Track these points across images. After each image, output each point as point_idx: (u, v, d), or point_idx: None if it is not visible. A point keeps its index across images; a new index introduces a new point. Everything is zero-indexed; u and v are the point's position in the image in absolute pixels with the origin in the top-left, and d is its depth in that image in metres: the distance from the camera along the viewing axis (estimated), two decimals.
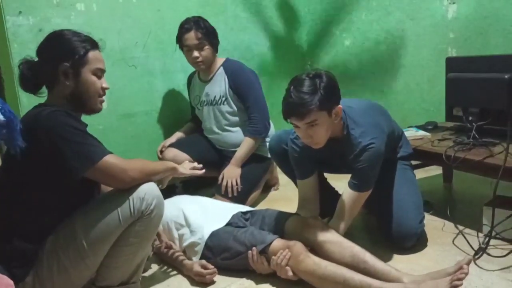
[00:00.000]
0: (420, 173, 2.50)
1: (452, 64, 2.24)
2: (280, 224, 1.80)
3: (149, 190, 1.45)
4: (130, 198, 1.42)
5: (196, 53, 2.45)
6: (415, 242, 1.87)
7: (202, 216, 1.90)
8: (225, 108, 2.55)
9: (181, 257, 1.81)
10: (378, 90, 3.23)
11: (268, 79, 3.27)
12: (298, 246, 1.60)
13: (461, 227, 1.97)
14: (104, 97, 1.58)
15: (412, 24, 2.96)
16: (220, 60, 2.59)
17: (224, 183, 2.42)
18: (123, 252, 1.47)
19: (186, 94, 2.82)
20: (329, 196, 2.03)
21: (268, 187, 2.83)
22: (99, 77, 1.53)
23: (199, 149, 2.64)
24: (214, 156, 2.65)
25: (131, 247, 1.47)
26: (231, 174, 2.44)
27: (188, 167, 1.76)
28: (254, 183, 2.54)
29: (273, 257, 1.62)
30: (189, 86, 2.75)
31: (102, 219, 1.41)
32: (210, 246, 1.78)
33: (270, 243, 1.65)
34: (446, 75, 2.22)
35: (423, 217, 1.91)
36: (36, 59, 1.52)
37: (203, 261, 1.75)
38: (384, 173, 1.86)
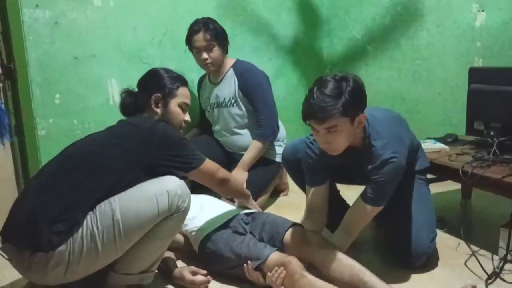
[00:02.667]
0: (437, 187, 2.39)
1: (476, 75, 2.13)
2: (280, 236, 1.73)
3: (184, 188, 1.53)
4: (169, 192, 1.49)
5: (205, 55, 2.42)
6: (424, 261, 1.78)
7: (198, 207, 1.89)
8: (234, 110, 2.51)
9: (171, 263, 1.77)
10: (400, 97, 3.12)
11: (284, 82, 3.21)
12: (293, 264, 1.54)
13: (475, 248, 1.86)
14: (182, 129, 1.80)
15: (438, 31, 2.84)
16: (230, 61, 2.54)
17: None
18: (153, 244, 1.53)
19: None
20: (339, 208, 1.94)
21: (277, 192, 2.77)
22: (184, 110, 1.79)
23: (208, 150, 2.55)
24: (223, 158, 2.61)
25: (161, 241, 1.54)
26: (238, 178, 2.39)
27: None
28: (261, 187, 2.49)
29: (268, 273, 1.57)
30: (199, 89, 2.72)
31: (141, 207, 1.46)
32: (207, 252, 1.74)
33: (266, 260, 1.59)
34: (469, 86, 2.11)
35: (435, 235, 1.81)
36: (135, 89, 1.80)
37: (193, 267, 1.71)
38: (398, 187, 1.75)
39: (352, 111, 1.53)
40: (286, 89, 3.24)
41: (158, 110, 1.73)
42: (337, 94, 1.51)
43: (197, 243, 1.80)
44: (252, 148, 2.45)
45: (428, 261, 1.80)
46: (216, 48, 2.42)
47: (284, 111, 2.83)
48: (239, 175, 2.40)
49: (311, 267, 1.60)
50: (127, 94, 1.79)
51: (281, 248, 1.69)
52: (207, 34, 2.38)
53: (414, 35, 2.97)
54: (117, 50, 2.50)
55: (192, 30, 2.41)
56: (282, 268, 1.54)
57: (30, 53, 2.20)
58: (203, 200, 2.01)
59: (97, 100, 2.46)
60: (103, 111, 2.48)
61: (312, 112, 1.53)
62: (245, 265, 1.63)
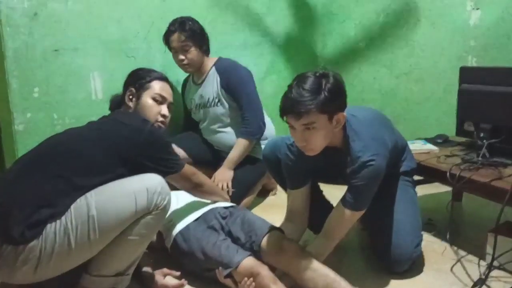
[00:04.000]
0: (427, 189, 2.33)
1: (467, 74, 2.05)
2: (258, 239, 1.65)
3: (164, 185, 1.48)
4: (148, 189, 1.43)
5: (181, 56, 2.36)
6: (408, 267, 1.71)
7: (173, 200, 1.80)
8: (219, 110, 2.44)
9: (144, 269, 1.69)
10: (392, 96, 3.05)
11: (277, 78, 3.13)
12: (263, 275, 1.50)
13: (463, 253, 1.81)
14: (161, 124, 1.74)
15: (432, 30, 2.77)
16: (212, 60, 2.48)
17: None
18: (130, 242, 1.45)
19: None
20: (322, 209, 1.87)
21: (266, 191, 2.71)
22: (159, 103, 1.73)
23: (196, 146, 2.57)
24: (211, 155, 2.56)
25: (139, 240, 1.46)
26: (223, 177, 2.33)
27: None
28: (248, 186, 2.42)
29: (239, 283, 1.52)
30: (184, 90, 2.66)
31: (119, 204, 1.40)
32: (179, 251, 1.69)
33: (237, 267, 1.53)
34: (459, 86, 2.04)
35: (421, 240, 1.75)
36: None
37: (165, 270, 1.66)
38: (382, 188, 1.69)
39: (330, 108, 1.48)
40: (278, 86, 3.14)
41: (131, 104, 1.73)
42: (315, 90, 1.46)
43: (170, 239, 1.74)
44: (238, 146, 2.38)
45: (413, 265, 1.73)
46: (192, 49, 2.35)
47: (275, 108, 2.73)
48: (224, 174, 2.34)
49: (287, 276, 1.56)
50: (116, 95, 1.81)
51: (258, 251, 1.63)
52: (182, 35, 2.32)
53: (408, 34, 2.90)
54: (100, 43, 2.42)
55: (169, 30, 2.36)
56: (251, 279, 1.49)
57: (7, 45, 2.13)
58: (179, 193, 1.93)
59: (78, 94, 2.38)
60: (85, 105, 2.40)
61: (289, 106, 1.48)
62: (216, 270, 1.58)
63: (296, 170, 1.75)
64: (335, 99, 1.49)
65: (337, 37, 3.31)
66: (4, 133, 2.18)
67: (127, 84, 1.78)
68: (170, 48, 2.40)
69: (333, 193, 2.01)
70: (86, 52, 2.38)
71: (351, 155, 1.58)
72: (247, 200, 2.44)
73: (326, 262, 1.59)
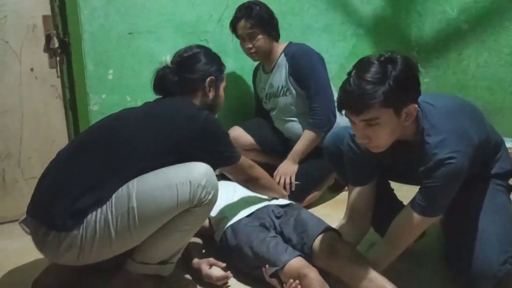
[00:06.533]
0: None
1: None
2: (309, 241, 1.50)
3: (209, 178, 1.40)
4: (191, 182, 1.36)
5: (248, 44, 2.23)
6: (491, 287, 1.43)
7: (230, 191, 1.80)
8: (288, 99, 2.29)
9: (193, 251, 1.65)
10: (497, 86, 2.64)
11: None
12: (310, 278, 1.36)
13: None
14: None
15: None
16: (282, 46, 2.32)
17: (277, 179, 2.16)
18: (173, 236, 1.42)
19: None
20: (391, 210, 1.62)
21: (339, 186, 2.50)
22: None
23: (265, 134, 2.46)
24: (280, 144, 2.43)
25: (182, 233, 1.43)
26: (286, 170, 2.18)
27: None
28: (315, 181, 2.25)
29: (284, 284, 1.39)
30: (255, 79, 2.54)
31: (160, 195, 1.35)
32: (227, 244, 1.61)
33: (283, 266, 1.41)
34: None
35: (510, 257, 1.44)
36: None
37: (211, 259, 1.58)
38: (468, 192, 1.45)
39: (397, 100, 1.25)
40: None
41: (210, 94, 1.65)
42: (378, 79, 1.24)
43: (220, 232, 1.66)
44: (304, 138, 2.22)
45: (498, 286, 1.44)
46: (260, 36, 2.21)
47: None
48: (288, 168, 2.20)
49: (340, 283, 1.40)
50: (172, 71, 1.65)
51: (309, 253, 1.48)
52: (248, 22, 2.19)
53: None
54: (173, 26, 2.40)
55: (235, 17, 2.25)
56: (297, 281, 1.35)
57: (84, 28, 2.19)
58: (236, 185, 1.84)
59: (151, 77, 2.39)
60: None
61: (346, 101, 1.28)
62: (263, 268, 1.46)
63: (360, 165, 1.54)
64: (403, 89, 1.26)
65: (435, 17, 2.94)
66: (80, 113, 2.24)
67: (205, 70, 1.64)
68: (237, 36, 2.30)
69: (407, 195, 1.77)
70: (159, 35, 2.37)
71: (426, 152, 1.33)
72: (313, 196, 2.27)
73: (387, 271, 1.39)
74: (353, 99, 1.26)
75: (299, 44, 2.34)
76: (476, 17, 2.75)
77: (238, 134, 2.39)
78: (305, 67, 2.21)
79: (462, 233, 1.50)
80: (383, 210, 1.61)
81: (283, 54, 2.29)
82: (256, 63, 2.49)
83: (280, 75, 2.29)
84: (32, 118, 2.18)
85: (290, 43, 2.34)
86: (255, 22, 2.19)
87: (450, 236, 1.58)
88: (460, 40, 2.86)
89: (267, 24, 2.23)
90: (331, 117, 2.19)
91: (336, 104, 1.37)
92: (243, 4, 2.25)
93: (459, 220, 1.52)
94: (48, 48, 2.15)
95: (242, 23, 2.22)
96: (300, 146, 2.22)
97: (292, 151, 2.23)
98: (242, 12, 2.22)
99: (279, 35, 2.32)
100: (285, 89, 2.28)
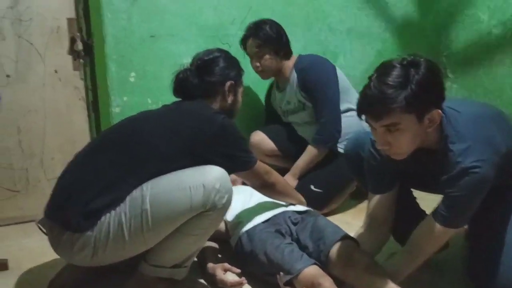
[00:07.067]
0: None
1: None
2: (326, 248, 1.46)
3: (224, 182, 1.38)
4: (204, 186, 1.35)
5: (256, 63, 2.22)
6: None
7: (247, 195, 1.78)
8: (306, 114, 2.26)
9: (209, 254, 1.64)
10: None
11: None
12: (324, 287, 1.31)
13: None
14: None
15: None
16: (292, 61, 2.28)
17: None
18: (186, 240, 1.41)
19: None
20: (413, 220, 1.57)
21: (363, 194, 2.42)
22: None
23: (287, 141, 2.43)
24: (300, 149, 2.34)
25: (195, 237, 1.42)
26: None
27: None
28: (336, 188, 2.20)
29: None
30: (269, 95, 2.52)
31: (173, 198, 1.34)
32: (242, 250, 1.59)
33: (298, 274, 1.37)
34: None
35: None
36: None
37: (226, 265, 1.56)
38: (494, 203, 1.39)
39: (419, 105, 1.21)
40: None
41: (229, 99, 1.65)
42: (400, 83, 1.19)
43: (235, 237, 1.64)
44: (307, 154, 2.20)
45: None
46: (267, 56, 2.20)
47: None
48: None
49: None
50: (192, 73, 1.64)
51: (325, 261, 1.44)
52: (255, 41, 2.19)
53: None
54: (196, 29, 2.41)
55: (244, 35, 2.24)
56: None
57: (107, 30, 2.21)
58: (254, 190, 1.81)
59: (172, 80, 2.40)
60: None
61: (366, 105, 1.25)
62: (277, 276, 1.43)
63: (381, 172, 1.49)
64: (426, 94, 1.21)
65: (465, 21, 2.85)
66: (102, 115, 2.27)
67: (226, 74, 1.64)
68: (247, 53, 2.28)
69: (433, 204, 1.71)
70: (181, 38, 2.38)
71: (449, 160, 1.28)
72: (335, 203, 2.22)
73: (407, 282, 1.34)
74: (373, 103, 1.22)
75: (309, 56, 2.31)
76: (508, 21, 2.65)
77: (261, 138, 2.39)
78: (312, 80, 2.18)
79: (487, 246, 1.44)
80: (404, 219, 1.56)
81: (294, 69, 2.26)
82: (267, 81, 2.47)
83: (293, 91, 2.27)
84: (55, 119, 2.22)
85: (300, 56, 2.30)
86: (262, 42, 2.18)
87: (475, 248, 1.51)
88: (492, 45, 2.76)
89: (275, 43, 2.20)
90: (334, 134, 2.17)
91: (356, 108, 1.33)
92: (253, 22, 2.24)
93: (484, 232, 1.46)
94: (72, 51, 2.19)
95: (250, 41, 2.22)
96: (301, 162, 2.20)
97: (294, 166, 2.22)
98: (250, 31, 2.22)
99: (290, 52, 2.28)
100: (302, 104, 2.26)
